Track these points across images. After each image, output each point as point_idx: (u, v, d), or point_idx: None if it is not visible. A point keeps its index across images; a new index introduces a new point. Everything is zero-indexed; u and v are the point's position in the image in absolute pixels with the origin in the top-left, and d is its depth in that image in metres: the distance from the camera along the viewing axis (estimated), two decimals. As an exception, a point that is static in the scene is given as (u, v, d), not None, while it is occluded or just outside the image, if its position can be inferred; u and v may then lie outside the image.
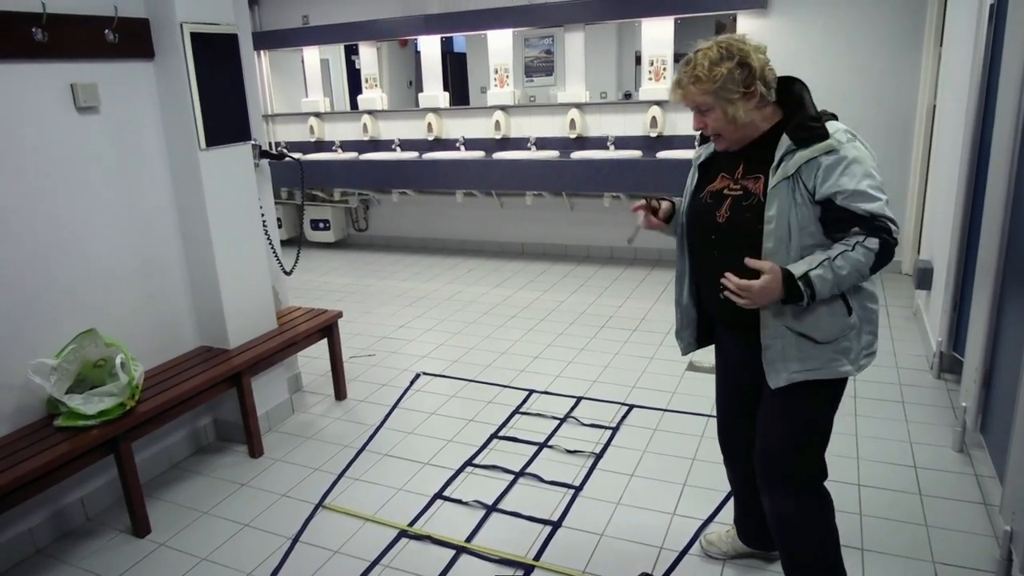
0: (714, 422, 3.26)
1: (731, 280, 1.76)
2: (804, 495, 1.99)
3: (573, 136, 6.05)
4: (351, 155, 6.91)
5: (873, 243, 1.72)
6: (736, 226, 1.86)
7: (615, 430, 3.27)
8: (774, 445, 1.96)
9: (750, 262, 1.77)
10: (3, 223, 2.51)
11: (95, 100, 2.79)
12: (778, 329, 1.83)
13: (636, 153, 5.68)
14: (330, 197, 7.25)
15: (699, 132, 1.95)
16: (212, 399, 3.11)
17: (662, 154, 5.54)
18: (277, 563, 2.50)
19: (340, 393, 3.77)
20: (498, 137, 6.37)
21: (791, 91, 1.87)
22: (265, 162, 3.56)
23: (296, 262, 3.82)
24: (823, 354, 1.82)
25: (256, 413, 3.21)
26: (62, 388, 2.58)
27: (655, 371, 3.90)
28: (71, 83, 2.72)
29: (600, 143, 5.96)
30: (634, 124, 5.86)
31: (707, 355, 3.99)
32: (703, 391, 3.61)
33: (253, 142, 3.34)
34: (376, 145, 7.00)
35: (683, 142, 5.64)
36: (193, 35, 2.95)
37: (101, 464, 2.80)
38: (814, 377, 1.84)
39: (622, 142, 5.88)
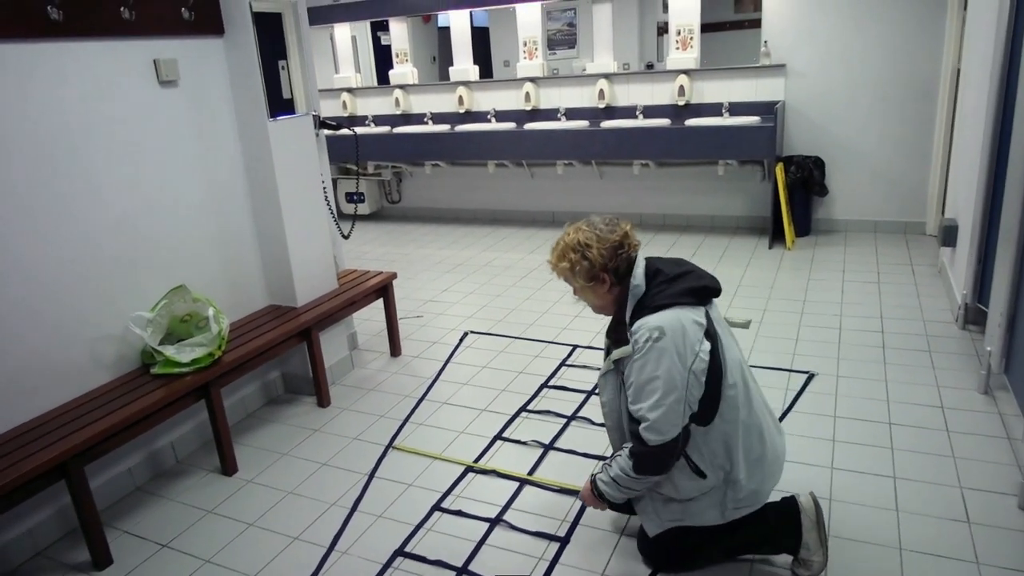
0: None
1: None
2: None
3: (602, 106, 6.21)
4: (384, 129, 7.10)
5: (634, 449, 1.95)
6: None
7: (657, 379, 3.49)
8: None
9: None
10: (97, 189, 2.74)
11: (175, 74, 3.00)
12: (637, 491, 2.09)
13: (664, 121, 5.83)
14: (364, 170, 7.45)
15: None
16: (284, 352, 3.36)
17: (690, 121, 5.70)
18: (357, 495, 2.75)
19: (395, 350, 4.02)
20: (528, 109, 6.54)
21: (650, 278, 1.99)
22: (323, 132, 3.76)
23: (352, 228, 4.04)
24: (690, 507, 2.07)
25: (324, 365, 3.46)
26: (156, 339, 2.83)
27: (691, 327, 4.11)
28: (154, 59, 2.93)
29: (629, 112, 6.12)
30: (662, 93, 6.02)
31: (739, 310, 4.21)
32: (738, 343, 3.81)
33: (313, 113, 3.55)
34: (408, 119, 7.19)
35: (710, 109, 5.80)
36: (254, 13, 3.16)
37: (189, 411, 3.07)
38: (685, 523, 2.08)
39: (650, 111, 6.03)
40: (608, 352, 2.11)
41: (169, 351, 2.80)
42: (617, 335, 2.06)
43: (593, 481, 2.16)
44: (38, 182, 2.53)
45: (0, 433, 2.44)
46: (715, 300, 2.04)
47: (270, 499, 2.78)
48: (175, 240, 3.07)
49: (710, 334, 1.91)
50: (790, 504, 2.18)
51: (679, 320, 1.87)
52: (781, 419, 3.05)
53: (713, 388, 1.92)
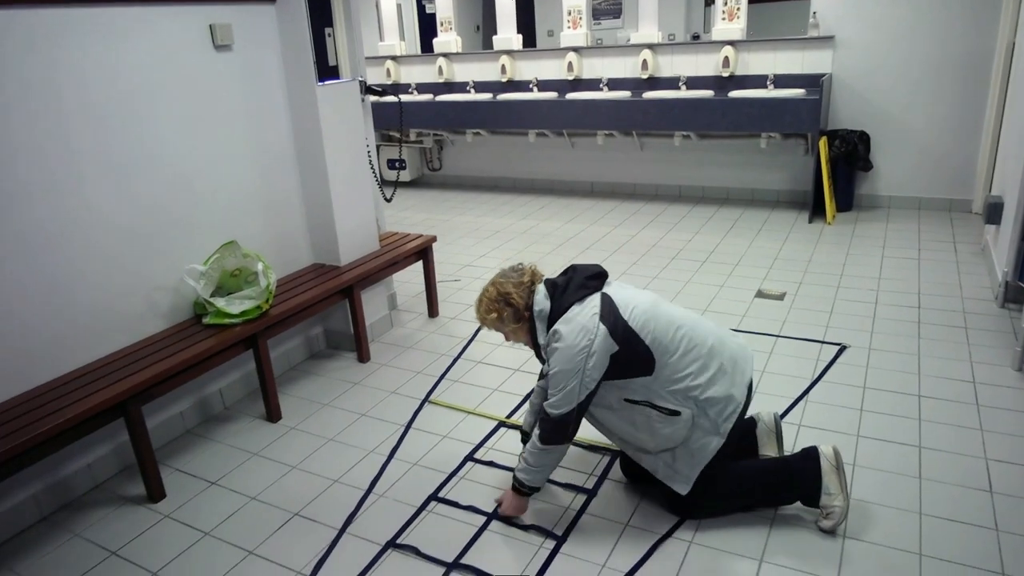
0: (781, 341, 3.52)
1: None
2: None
3: (645, 76, 6.19)
4: (427, 96, 7.18)
5: (541, 424, 2.22)
6: None
7: (688, 346, 3.55)
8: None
9: None
10: (155, 148, 2.87)
11: (230, 39, 3.12)
12: (647, 460, 2.29)
13: (708, 92, 5.80)
14: (406, 137, 7.55)
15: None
16: (327, 309, 3.50)
17: (734, 93, 5.66)
18: (394, 444, 2.89)
19: (433, 311, 4.13)
20: (571, 78, 6.55)
21: (552, 295, 2.24)
22: (368, 98, 3.86)
23: (395, 192, 4.14)
24: (691, 447, 2.21)
25: (365, 322, 3.59)
26: (208, 291, 2.98)
27: (726, 296, 4.15)
28: (210, 23, 3.04)
29: (672, 83, 6.10)
30: (706, 64, 5.98)
31: (774, 283, 4.23)
32: (771, 314, 3.85)
33: (359, 79, 3.65)
34: (450, 87, 7.25)
35: (755, 81, 5.75)
36: (304, -21, 3.25)
37: (236, 361, 3.23)
38: (704, 465, 2.22)
39: (694, 82, 6.00)
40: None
41: (220, 303, 2.95)
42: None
43: (514, 479, 2.34)
44: (103, 141, 2.67)
45: (67, 372, 2.62)
46: (610, 280, 2.29)
47: (312, 445, 2.93)
48: (226, 198, 3.20)
49: (606, 315, 2.12)
50: (810, 450, 2.28)
51: (573, 319, 2.13)
52: (809, 389, 3.10)
53: (634, 347, 2.13)
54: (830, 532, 2.23)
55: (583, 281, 2.21)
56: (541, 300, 2.23)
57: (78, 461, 2.70)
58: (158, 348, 2.78)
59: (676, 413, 2.16)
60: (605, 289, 2.22)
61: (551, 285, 2.26)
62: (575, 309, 2.14)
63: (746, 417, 2.50)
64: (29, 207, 2.46)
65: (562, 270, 2.35)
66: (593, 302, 2.15)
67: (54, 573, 2.31)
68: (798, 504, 2.32)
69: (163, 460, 2.84)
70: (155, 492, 2.64)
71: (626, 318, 2.13)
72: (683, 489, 2.25)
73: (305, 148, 3.46)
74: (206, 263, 3.00)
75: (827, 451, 2.25)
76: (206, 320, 2.97)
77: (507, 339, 2.38)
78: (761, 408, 2.63)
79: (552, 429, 2.18)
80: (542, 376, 2.45)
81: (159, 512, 2.58)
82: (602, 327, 2.09)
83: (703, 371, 2.17)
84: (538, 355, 2.31)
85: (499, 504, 2.43)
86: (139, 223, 2.84)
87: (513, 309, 2.24)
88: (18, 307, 2.46)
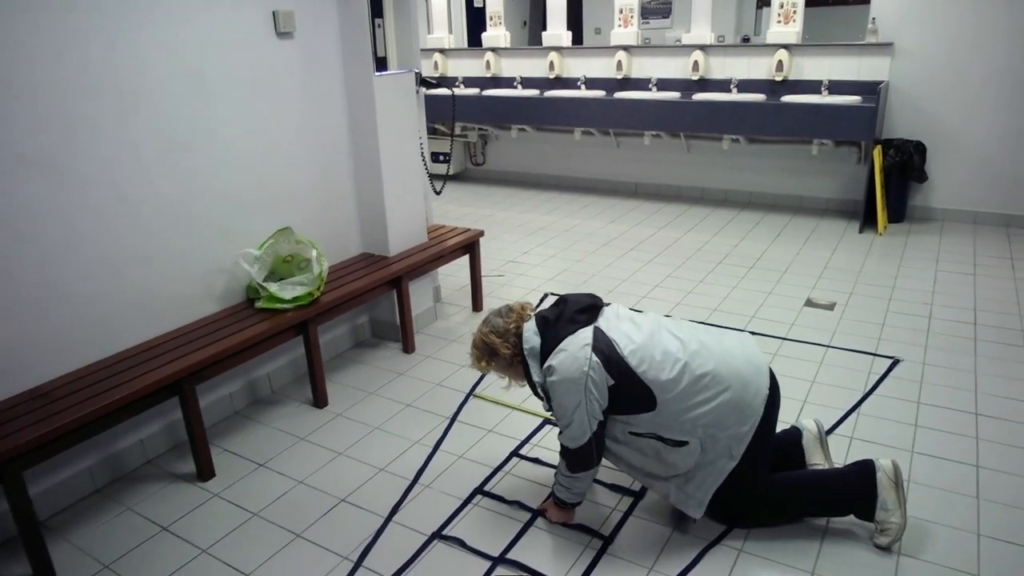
0: (832, 352, 3.47)
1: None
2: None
3: (695, 78, 6.13)
4: (473, 91, 7.18)
5: (562, 453, 2.21)
6: None
7: (736, 352, 3.50)
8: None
9: None
10: (214, 131, 2.91)
11: (292, 26, 3.14)
12: (658, 486, 2.23)
13: (760, 96, 5.73)
14: (450, 131, 7.56)
15: None
16: (374, 298, 3.52)
17: (787, 98, 5.58)
18: (440, 436, 2.90)
19: (477, 305, 4.14)
20: (619, 77, 6.51)
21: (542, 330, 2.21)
22: (422, 90, 3.87)
23: (444, 185, 4.15)
24: (704, 469, 2.14)
25: (412, 313, 3.61)
26: (262, 275, 3.01)
27: (773, 304, 4.09)
28: (273, 10, 3.07)
29: (723, 86, 6.03)
30: (758, 67, 5.89)
31: (824, 292, 4.16)
32: (821, 324, 3.79)
33: (414, 70, 3.66)
34: (497, 82, 7.25)
35: (809, 87, 5.66)
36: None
37: (285, 346, 3.26)
38: (715, 487, 2.15)
39: (745, 85, 5.93)
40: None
41: (273, 287, 2.98)
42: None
43: (553, 495, 2.36)
44: (163, 121, 2.71)
45: (124, 349, 2.67)
46: (606, 309, 2.26)
47: (358, 432, 2.95)
48: (282, 184, 3.23)
49: (599, 347, 2.08)
50: (867, 463, 2.22)
51: (566, 353, 2.09)
52: (861, 402, 3.04)
53: (632, 384, 2.07)
54: (886, 549, 2.19)
55: (573, 315, 2.17)
56: (531, 337, 2.19)
57: (131, 437, 2.75)
58: (212, 330, 2.82)
59: (684, 443, 2.10)
60: (598, 322, 2.17)
61: (541, 320, 2.22)
62: (567, 341, 2.10)
63: (789, 428, 2.49)
64: (88, 185, 2.51)
65: (554, 302, 2.31)
66: (584, 334, 2.11)
67: (107, 544, 2.36)
68: (851, 518, 2.28)
69: (212, 440, 2.88)
70: (205, 471, 2.67)
71: (622, 355, 2.09)
72: (696, 513, 2.19)
73: (360, 137, 3.48)
74: (261, 247, 3.03)
75: (886, 465, 2.19)
76: (258, 304, 3.00)
77: (507, 383, 2.38)
78: (806, 417, 2.59)
79: (575, 460, 2.17)
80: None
81: (208, 491, 2.61)
82: (595, 358, 2.06)
83: (708, 402, 2.07)
84: (536, 393, 2.24)
85: (544, 511, 2.41)
86: (197, 205, 2.88)
87: (500, 359, 2.24)
88: (77, 284, 2.51)
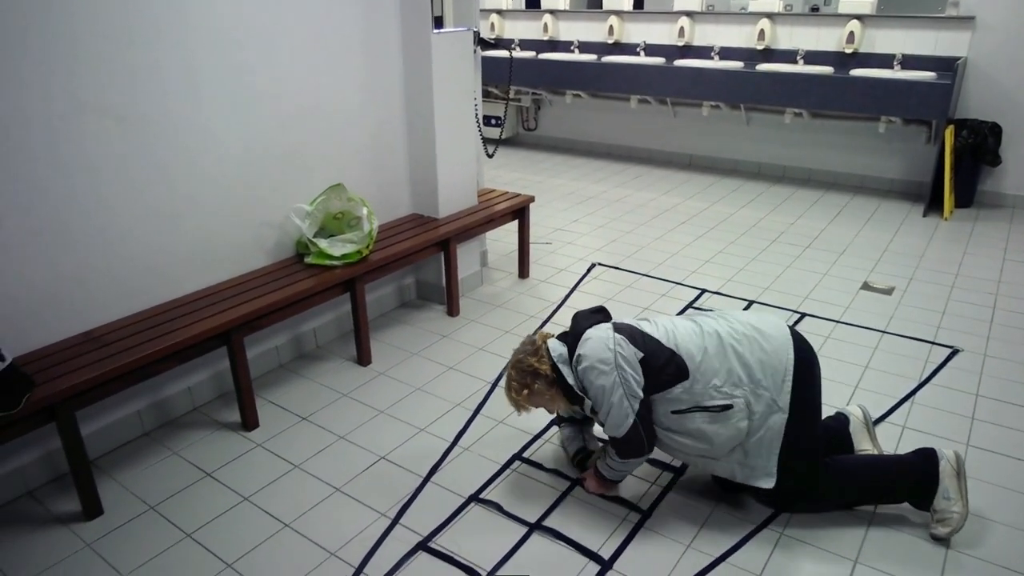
0: (888, 338, 3.35)
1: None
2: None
3: (760, 48, 5.91)
4: (529, 54, 7.06)
5: (611, 442, 2.19)
6: None
7: (787, 332, 3.41)
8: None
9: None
10: (272, 82, 2.90)
11: (351, -21, 3.10)
12: (720, 467, 2.17)
13: (828, 69, 5.50)
14: (504, 94, 7.47)
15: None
16: (421, 260, 3.51)
17: (856, 71, 5.35)
18: (481, 400, 2.89)
19: (524, 272, 4.11)
20: (680, 44, 6.32)
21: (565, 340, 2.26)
22: (479, 50, 3.80)
23: (496, 148, 4.10)
24: (758, 435, 2.07)
25: (458, 277, 3.59)
26: (312, 231, 3.02)
27: (828, 285, 3.96)
28: (332, -38, 3.03)
29: (788, 56, 5.80)
30: (828, 38, 5.66)
31: (882, 276, 4.02)
32: (878, 308, 3.66)
33: (473, 29, 3.59)
34: (554, 46, 7.11)
35: (881, 60, 5.41)
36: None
37: (331, 303, 3.28)
38: (776, 450, 2.08)
39: (813, 57, 5.70)
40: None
41: (323, 243, 2.98)
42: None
43: (596, 470, 2.33)
44: (223, 70, 2.71)
45: (175, 297, 2.71)
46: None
47: (400, 392, 2.96)
48: (336, 140, 3.22)
49: (620, 328, 2.15)
50: (928, 451, 2.17)
51: (592, 339, 2.14)
52: (916, 390, 2.94)
53: (660, 353, 2.08)
54: (944, 539, 2.11)
55: (588, 315, 2.26)
56: (557, 347, 2.23)
57: (179, 384, 2.81)
58: (262, 283, 2.85)
59: (728, 407, 2.04)
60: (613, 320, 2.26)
61: (561, 335, 2.29)
62: (589, 332, 2.16)
63: (836, 414, 2.44)
64: (149, 134, 2.52)
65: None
66: (604, 325, 2.19)
67: (153, 485, 2.42)
68: (902, 507, 2.21)
69: (258, 391, 2.92)
70: (249, 421, 2.72)
71: (645, 331, 2.14)
72: (768, 483, 2.10)
73: (415, 96, 3.44)
74: (312, 203, 3.03)
75: (948, 454, 2.13)
76: (308, 260, 3.02)
77: (552, 411, 2.38)
78: (856, 402, 2.51)
79: (626, 448, 2.14)
80: (561, 420, 2.55)
81: (252, 440, 2.66)
82: (619, 335, 2.11)
83: (738, 359, 2.06)
84: (577, 401, 2.22)
85: (583, 480, 2.39)
86: (252, 157, 2.88)
87: (542, 377, 2.20)
88: (133, 231, 2.55)
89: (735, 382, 2.04)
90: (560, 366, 2.18)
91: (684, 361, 2.06)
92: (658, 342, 2.10)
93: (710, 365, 2.05)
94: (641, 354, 2.07)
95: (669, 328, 2.15)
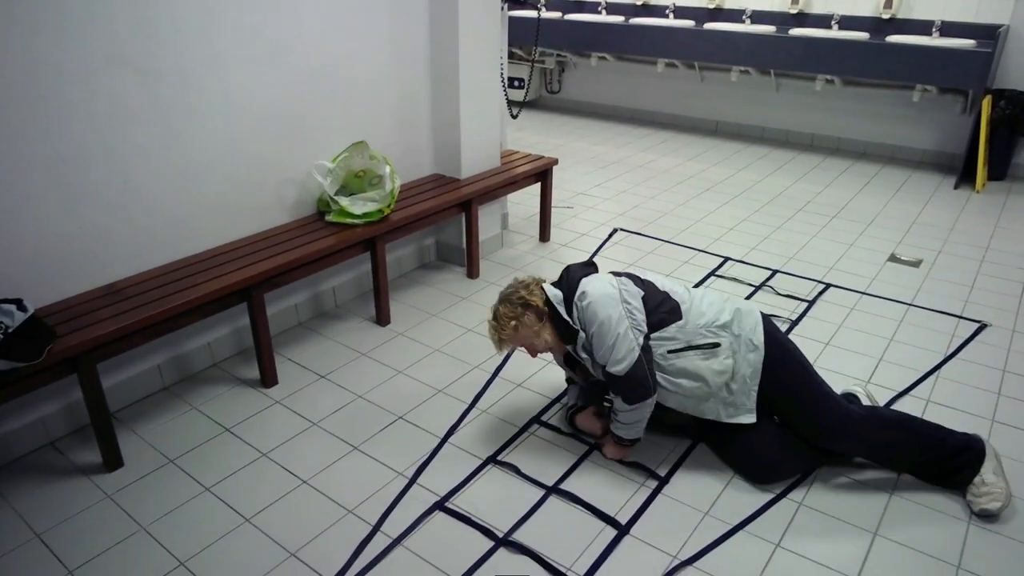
0: (914, 311, 3.30)
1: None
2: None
3: (794, 12, 5.75)
4: (555, 14, 6.92)
5: (615, 388, 2.18)
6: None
7: (811, 303, 3.36)
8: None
9: None
10: (295, 36, 2.84)
11: (376, -70, 3.02)
12: (708, 409, 2.23)
13: (863, 35, 5.34)
14: (528, 56, 7.35)
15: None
16: (443, 220, 3.47)
17: (893, 38, 5.18)
18: (500, 363, 2.88)
19: (544, 235, 4.06)
20: (711, 7, 6.16)
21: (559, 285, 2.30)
22: (507, 8, 3.71)
23: (520, 110, 4.03)
24: (741, 377, 2.19)
25: (479, 238, 3.56)
26: (334, 189, 2.99)
27: (854, 256, 3.89)
28: (357, -87, 2.95)
29: (823, 21, 5.64)
30: (865, 3, 5.48)
31: (910, 248, 3.95)
32: (904, 281, 3.59)
33: (500, -15, 3.50)
34: (580, 6, 6.96)
35: (919, 27, 5.24)
36: None
37: (351, 261, 3.27)
38: (755, 386, 2.20)
39: (848, 22, 5.53)
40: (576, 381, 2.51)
41: (344, 201, 2.96)
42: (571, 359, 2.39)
43: (611, 434, 2.31)
44: (244, 23, 2.65)
45: (197, 252, 2.70)
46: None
47: (418, 352, 2.95)
48: (358, 96, 3.17)
49: (619, 272, 2.31)
50: (972, 437, 2.20)
51: (593, 283, 2.20)
52: (942, 364, 2.89)
53: (657, 294, 2.23)
54: (994, 515, 2.08)
55: (581, 267, 2.32)
56: (551, 290, 2.26)
57: (199, 339, 2.82)
58: (283, 240, 2.83)
59: (716, 344, 2.17)
60: None
61: (554, 282, 2.32)
62: (586, 280, 2.22)
63: (844, 392, 2.47)
64: (172, 88, 2.49)
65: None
66: (601, 273, 2.31)
67: (172, 439, 2.44)
68: (923, 484, 2.18)
69: (277, 348, 2.92)
70: (268, 377, 2.73)
71: (640, 277, 2.31)
72: (750, 418, 2.20)
73: (440, 54, 3.37)
74: (334, 161, 3.00)
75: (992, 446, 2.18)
76: (329, 218, 2.99)
77: (533, 353, 2.33)
78: (867, 383, 2.48)
79: (629, 387, 2.14)
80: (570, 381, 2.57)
81: (271, 397, 2.67)
82: (620, 277, 2.26)
83: (719, 309, 2.23)
84: (569, 338, 2.22)
85: (601, 447, 2.38)
86: (274, 112, 2.85)
87: (533, 309, 2.22)
88: (156, 185, 2.53)
89: (721, 326, 2.19)
90: (557, 306, 2.21)
91: (677, 303, 2.21)
92: (653, 285, 2.26)
93: (698, 308, 2.22)
94: (642, 292, 2.21)
95: (659, 279, 2.31)
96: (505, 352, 2.43)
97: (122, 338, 2.24)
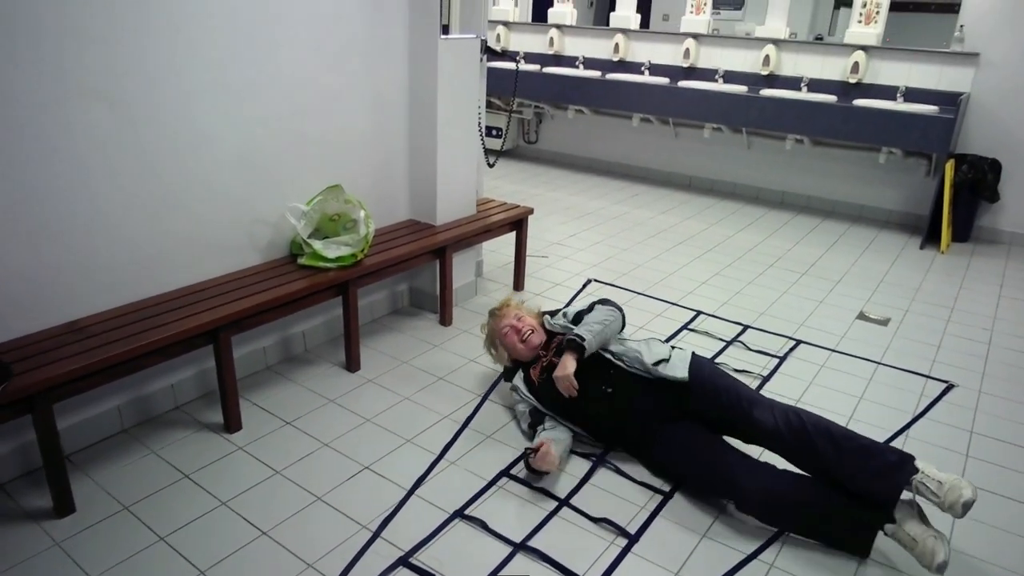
0: (883, 369, 3.32)
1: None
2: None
3: (765, 73, 5.92)
4: (534, 67, 7.05)
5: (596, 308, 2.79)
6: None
7: (782, 360, 3.38)
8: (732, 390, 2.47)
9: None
10: (270, 77, 2.83)
11: (360, -21, 3.06)
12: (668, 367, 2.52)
13: (831, 98, 5.50)
14: (507, 106, 7.45)
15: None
16: (417, 267, 3.45)
17: (859, 102, 5.34)
18: (470, 413, 2.83)
19: (519, 284, 4.06)
20: (685, 65, 6.32)
21: None
22: (485, 59, 3.76)
23: (497, 159, 4.06)
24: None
25: (453, 286, 3.54)
26: (307, 232, 2.97)
27: (824, 314, 3.93)
28: (343, -39, 2.99)
29: (793, 83, 5.81)
30: (833, 67, 5.67)
31: (878, 306, 4.00)
32: (873, 339, 3.63)
33: (480, 37, 3.56)
34: (559, 60, 7.10)
35: (884, 92, 5.42)
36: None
37: (322, 306, 3.22)
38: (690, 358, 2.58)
39: (817, 85, 5.70)
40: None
41: (317, 245, 2.93)
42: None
43: (569, 344, 2.57)
44: (218, 63, 2.65)
45: (164, 292, 2.65)
46: None
47: (388, 400, 2.90)
48: (335, 139, 3.17)
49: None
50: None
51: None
52: (911, 424, 2.91)
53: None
54: (970, 505, 2.02)
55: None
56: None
57: (162, 381, 2.74)
58: (253, 281, 2.79)
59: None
60: None
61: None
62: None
63: None
64: (143, 124, 2.47)
65: None
66: None
67: (128, 485, 2.35)
68: (895, 549, 2.16)
69: (243, 392, 2.85)
70: (232, 423, 2.65)
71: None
72: (683, 372, 2.47)
73: (418, 101, 3.40)
74: (309, 203, 2.98)
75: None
76: (301, 260, 2.96)
77: (520, 332, 2.74)
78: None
79: (606, 303, 2.78)
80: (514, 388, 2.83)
81: (234, 443, 2.59)
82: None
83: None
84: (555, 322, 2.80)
85: (556, 377, 2.53)
86: (248, 151, 2.83)
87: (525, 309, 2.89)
88: (124, 222, 2.49)
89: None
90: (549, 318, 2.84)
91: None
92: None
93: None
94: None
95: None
96: (490, 350, 2.95)
97: (82, 378, 2.17)
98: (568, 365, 2.50)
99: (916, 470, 2.10)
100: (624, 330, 2.80)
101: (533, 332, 2.76)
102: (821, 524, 2.18)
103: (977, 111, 5.23)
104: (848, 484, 2.16)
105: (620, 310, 2.76)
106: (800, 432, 2.25)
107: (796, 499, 2.20)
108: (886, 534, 2.11)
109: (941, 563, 1.98)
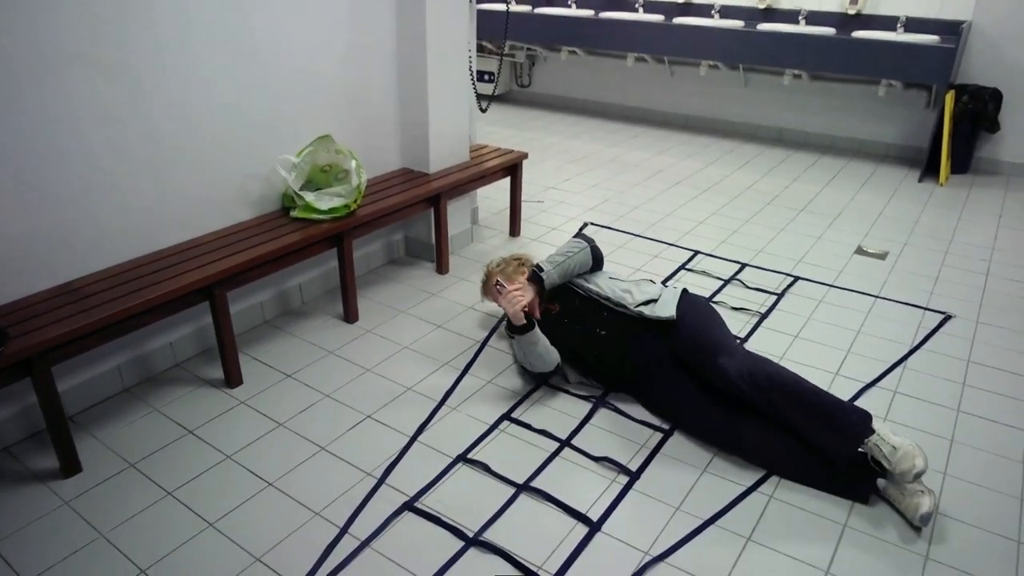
0: (881, 303, 3.32)
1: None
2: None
3: (761, 6, 5.77)
4: (525, 8, 6.88)
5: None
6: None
7: (780, 296, 3.38)
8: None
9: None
10: (260, 29, 2.77)
11: (340, -80, 2.96)
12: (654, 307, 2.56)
13: (829, 30, 5.38)
14: (498, 49, 7.30)
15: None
16: (411, 216, 3.43)
17: (859, 33, 5.23)
18: (469, 359, 2.85)
19: (515, 230, 4.03)
20: (680, 1, 6.17)
21: None
22: (474, 1, 3.67)
23: (489, 103, 4.00)
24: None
25: (448, 234, 3.52)
26: (298, 184, 2.93)
27: (822, 249, 3.92)
28: (321, -99, 2.89)
29: (791, 16, 5.67)
30: (830, -2, 5.53)
31: (876, 240, 3.98)
32: (871, 273, 3.63)
33: (467, -23, 3.46)
34: (551, 0, 6.93)
35: (884, 23, 5.30)
36: None
37: (318, 258, 3.21)
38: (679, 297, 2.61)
39: (815, 17, 5.57)
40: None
41: (309, 197, 2.90)
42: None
43: (536, 273, 2.67)
44: (211, 17, 2.59)
45: (158, 249, 2.63)
46: None
47: (387, 350, 2.91)
48: (324, 89, 3.11)
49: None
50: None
51: None
52: (908, 355, 2.92)
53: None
54: (928, 517, 2.03)
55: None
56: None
57: (161, 339, 2.75)
58: (246, 236, 2.77)
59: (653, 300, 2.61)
60: None
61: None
62: None
63: None
64: (135, 84, 2.42)
65: None
66: None
67: (133, 443, 2.37)
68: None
69: (241, 347, 2.86)
70: (233, 377, 2.67)
71: None
72: (669, 312, 2.49)
73: (407, 46, 3.32)
74: (299, 155, 2.94)
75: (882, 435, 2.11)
76: (294, 213, 2.93)
77: (513, 295, 2.51)
78: (849, 372, 2.48)
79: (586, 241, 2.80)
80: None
81: (235, 398, 2.61)
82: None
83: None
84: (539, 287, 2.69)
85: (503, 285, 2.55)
86: (238, 105, 2.78)
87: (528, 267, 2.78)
88: (116, 182, 2.45)
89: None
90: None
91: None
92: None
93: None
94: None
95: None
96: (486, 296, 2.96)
97: (79, 339, 2.17)
98: (526, 295, 2.56)
99: (871, 431, 2.10)
100: (604, 267, 2.85)
101: (522, 297, 2.53)
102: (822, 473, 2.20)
103: (978, 39, 5.11)
104: (807, 440, 2.19)
105: (591, 243, 2.78)
106: (759, 385, 2.22)
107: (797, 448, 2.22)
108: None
109: (924, 514, 2.00)
